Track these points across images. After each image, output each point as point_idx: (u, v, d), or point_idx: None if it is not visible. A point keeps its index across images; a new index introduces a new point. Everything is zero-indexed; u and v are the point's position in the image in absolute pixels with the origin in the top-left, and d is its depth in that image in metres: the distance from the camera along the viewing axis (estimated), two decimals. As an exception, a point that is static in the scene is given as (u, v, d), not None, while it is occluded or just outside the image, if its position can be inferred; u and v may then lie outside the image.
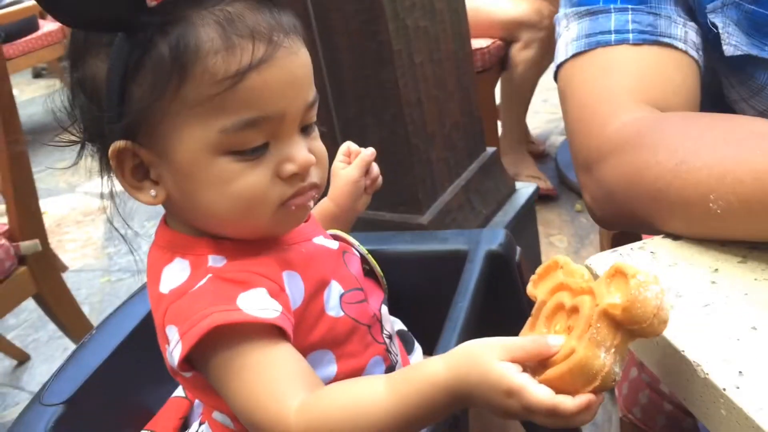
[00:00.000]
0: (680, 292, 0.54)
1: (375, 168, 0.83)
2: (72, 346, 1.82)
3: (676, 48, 0.71)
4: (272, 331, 0.56)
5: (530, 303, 0.82)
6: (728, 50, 0.71)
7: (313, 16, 1.37)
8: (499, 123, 2.40)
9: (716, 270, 0.56)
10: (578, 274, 0.50)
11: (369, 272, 0.76)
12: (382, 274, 0.77)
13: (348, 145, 0.83)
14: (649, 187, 0.62)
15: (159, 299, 0.60)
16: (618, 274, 0.46)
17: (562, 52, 0.76)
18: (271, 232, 0.62)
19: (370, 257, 0.76)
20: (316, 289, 0.64)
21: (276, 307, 0.57)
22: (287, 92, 0.57)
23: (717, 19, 0.71)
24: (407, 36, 1.38)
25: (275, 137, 0.58)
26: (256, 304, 0.56)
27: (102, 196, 0.63)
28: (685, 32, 0.72)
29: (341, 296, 0.66)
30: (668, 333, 0.50)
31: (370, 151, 0.83)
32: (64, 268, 2.16)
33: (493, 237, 0.82)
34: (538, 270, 0.53)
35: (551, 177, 2.44)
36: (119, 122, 0.56)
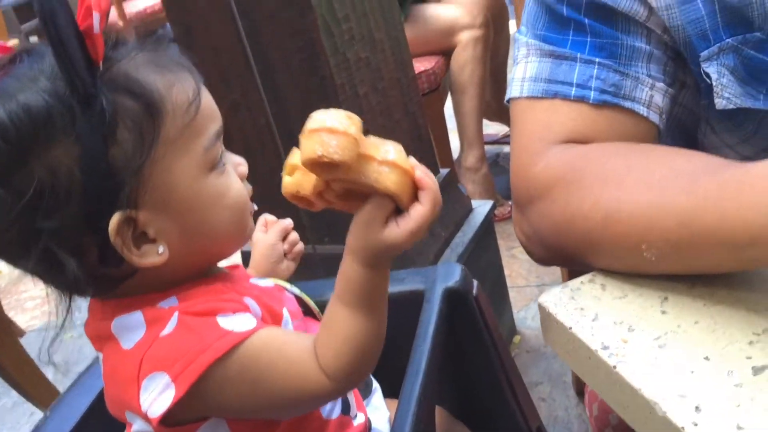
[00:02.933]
0: (632, 325, 0.54)
1: (294, 234, 0.87)
2: (37, 412, 1.77)
3: (636, 113, 0.68)
4: (257, 333, 0.60)
5: (491, 335, 0.82)
6: (720, 103, 0.68)
7: (252, 56, 1.36)
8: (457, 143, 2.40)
9: (666, 299, 0.56)
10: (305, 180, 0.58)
11: (307, 313, 0.77)
12: (318, 310, 0.78)
13: (265, 217, 0.88)
14: (582, 237, 0.61)
15: (123, 358, 0.59)
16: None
17: (517, 86, 0.72)
18: (246, 240, 0.67)
19: (304, 296, 0.77)
20: (273, 313, 0.66)
21: (250, 317, 0.61)
22: (216, 111, 0.63)
23: (711, 69, 0.67)
24: (348, 69, 1.38)
25: (221, 145, 0.63)
26: (236, 323, 0.58)
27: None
28: (650, 96, 0.69)
29: (291, 325, 0.68)
30: (624, 370, 0.50)
31: (287, 221, 0.87)
32: (21, 333, 2.11)
33: (449, 273, 0.82)
34: (290, 192, 0.59)
35: (508, 189, 2.46)
36: (117, 196, 0.54)
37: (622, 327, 0.54)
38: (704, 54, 0.67)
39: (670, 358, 0.50)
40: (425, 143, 1.65)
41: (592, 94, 0.68)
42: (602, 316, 0.56)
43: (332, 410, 0.72)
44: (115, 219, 0.55)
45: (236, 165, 0.65)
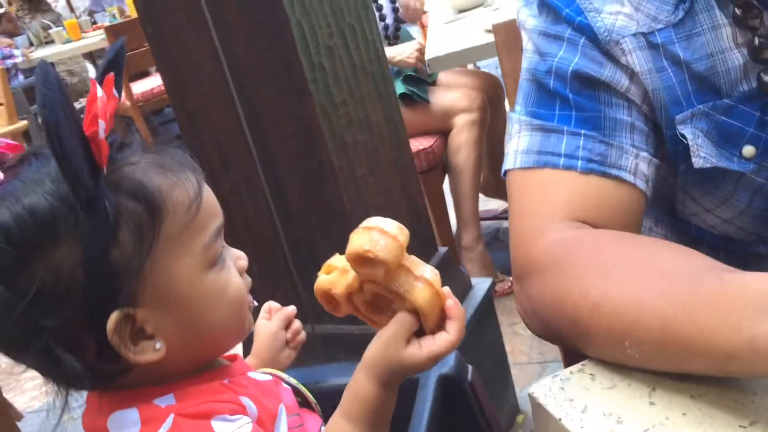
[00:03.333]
0: (620, 416, 0.54)
1: (297, 323, 0.88)
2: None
3: (622, 180, 0.71)
4: None
5: (486, 420, 0.82)
6: (697, 162, 0.71)
7: (252, 141, 1.40)
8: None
9: (654, 389, 0.56)
10: (342, 266, 0.61)
11: (303, 404, 0.76)
12: (315, 401, 0.78)
13: (269, 304, 0.89)
14: (570, 323, 0.62)
15: None
16: (354, 259, 0.57)
17: (511, 159, 0.76)
18: (244, 335, 0.68)
19: (301, 387, 0.77)
20: (269, 414, 0.66)
21: (246, 421, 0.60)
22: (217, 207, 0.65)
23: (686, 131, 0.71)
24: (346, 152, 1.41)
25: (221, 240, 0.64)
26: (230, 428, 0.58)
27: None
28: (635, 164, 0.72)
29: (287, 422, 0.68)
30: (613, 464, 0.50)
31: (291, 308, 0.88)
32: (19, 417, 2.09)
33: (444, 359, 0.82)
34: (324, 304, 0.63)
35: (508, 263, 2.46)
36: (117, 295, 0.55)
37: (611, 419, 0.54)
38: (679, 117, 0.71)
39: (659, 451, 0.50)
40: (423, 221, 1.67)
41: (579, 163, 0.71)
42: (591, 408, 0.56)
43: None
44: (113, 317, 0.56)
45: (236, 259, 0.66)
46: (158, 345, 0.59)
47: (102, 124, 0.55)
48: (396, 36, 2.56)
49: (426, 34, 2.88)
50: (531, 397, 0.60)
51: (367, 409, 0.60)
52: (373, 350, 0.60)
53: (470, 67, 2.64)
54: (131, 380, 0.61)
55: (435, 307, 0.58)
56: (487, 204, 2.69)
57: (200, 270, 0.61)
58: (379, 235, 0.55)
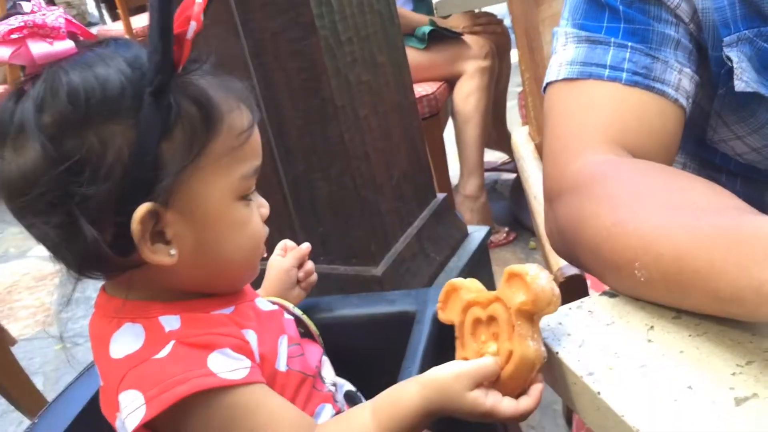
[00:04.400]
0: (617, 352, 0.55)
1: (310, 264, 0.88)
2: (26, 420, 1.77)
3: (665, 94, 0.72)
4: (246, 386, 0.60)
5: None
6: (739, 85, 0.73)
7: (255, 75, 1.38)
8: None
9: (652, 327, 0.56)
10: (475, 288, 0.61)
11: (305, 334, 0.77)
12: (318, 332, 0.78)
13: (285, 242, 0.89)
14: (589, 240, 0.63)
15: (110, 365, 0.60)
16: (513, 277, 0.57)
17: (554, 71, 0.76)
18: (251, 278, 0.69)
19: (305, 318, 0.78)
20: (269, 347, 0.66)
21: (245, 364, 0.60)
22: (260, 148, 0.66)
23: (732, 53, 0.72)
24: (350, 91, 1.39)
25: (254, 181, 0.65)
26: (227, 365, 0.59)
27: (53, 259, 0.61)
28: (679, 79, 0.73)
29: (287, 354, 0.69)
30: (608, 397, 0.50)
31: (305, 246, 0.88)
32: (13, 341, 2.10)
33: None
34: (440, 297, 0.63)
35: (505, 215, 2.47)
36: (153, 187, 0.56)
37: (608, 354, 0.55)
38: (726, 40, 0.72)
39: (655, 386, 0.50)
40: (423, 167, 1.66)
41: (624, 75, 0.71)
42: (589, 343, 0.56)
43: (327, 417, 0.72)
44: (143, 208, 0.56)
45: (260, 205, 0.68)
46: (173, 251, 0.59)
47: (193, 25, 0.56)
48: None
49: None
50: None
51: (399, 420, 0.60)
52: (441, 374, 0.59)
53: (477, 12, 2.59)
54: (139, 283, 0.61)
55: (527, 370, 0.57)
56: (487, 155, 2.67)
57: (231, 196, 0.62)
58: (549, 275, 0.56)
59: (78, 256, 0.58)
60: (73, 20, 0.60)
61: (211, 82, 0.61)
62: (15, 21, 0.55)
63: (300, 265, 0.89)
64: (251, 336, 0.64)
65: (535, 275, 0.55)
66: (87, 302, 0.65)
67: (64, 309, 0.62)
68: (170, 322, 0.61)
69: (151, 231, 0.58)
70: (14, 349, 1.70)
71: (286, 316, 0.75)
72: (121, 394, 0.58)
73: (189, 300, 0.63)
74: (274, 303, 0.76)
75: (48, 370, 2.12)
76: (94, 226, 0.56)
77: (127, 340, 0.60)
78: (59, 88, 0.54)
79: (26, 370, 1.67)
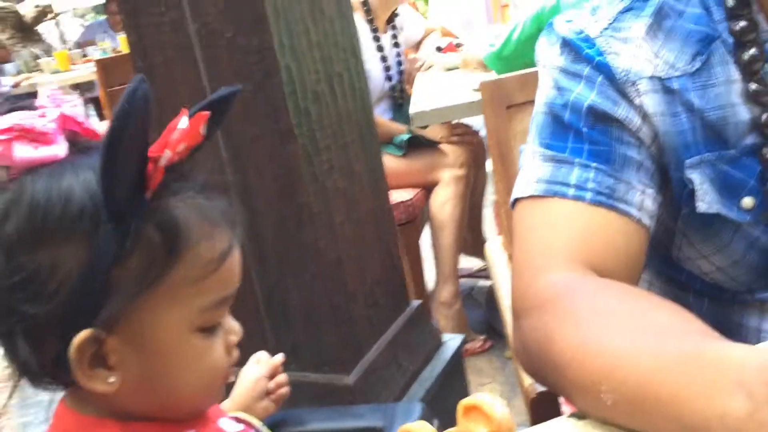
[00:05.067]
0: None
1: (283, 376, 0.86)
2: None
3: (629, 214, 0.73)
4: None
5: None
6: (701, 207, 0.74)
7: (232, 179, 1.39)
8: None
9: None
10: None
11: None
12: None
13: (259, 355, 0.87)
14: (554, 360, 0.62)
15: None
16: (470, 410, 0.54)
17: (521, 187, 0.77)
18: (212, 404, 0.65)
19: None
20: None
21: None
22: (237, 276, 0.61)
23: (694, 176, 0.74)
24: (326, 198, 1.40)
25: (224, 311, 0.61)
26: None
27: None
28: (641, 199, 0.74)
29: None
30: None
31: (279, 357, 0.86)
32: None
33: (409, 412, 0.81)
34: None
35: (481, 322, 2.45)
36: (96, 313, 0.53)
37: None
38: (688, 162, 0.74)
39: None
40: (397, 274, 1.66)
41: (589, 195, 0.73)
42: (557, 469, 0.55)
43: None
44: (82, 335, 0.54)
45: (228, 332, 0.63)
46: (111, 379, 0.56)
47: (167, 154, 0.54)
48: (402, 97, 2.61)
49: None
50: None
51: None
52: None
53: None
54: (93, 401, 0.58)
55: None
56: (464, 262, 2.68)
57: (186, 329, 0.58)
58: (502, 401, 0.55)
59: (20, 368, 0.56)
60: (78, 117, 0.58)
61: (189, 205, 0.57)
62: (6, 121, 0.54)
63: (272, 377, 0.87)
64: None
65: (492, 404, 0.54)
66: (48, 407, 0.63)
67: (23, 413, 0.59)
68: None
69: (92, 355, 0.55)
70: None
71: None
72: None
73: (146, 422, 0.59)
74: (240, 421, 0.73)
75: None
76: (34, 344, 0.54)
77: None
78: (22, 199, 0.53)
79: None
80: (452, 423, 0.82)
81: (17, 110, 0.56)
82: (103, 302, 0.53)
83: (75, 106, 0.58)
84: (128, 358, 0.56)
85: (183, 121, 0.55)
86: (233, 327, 0.63)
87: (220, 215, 0.59)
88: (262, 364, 0.86)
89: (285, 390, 0.86)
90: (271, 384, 0.86)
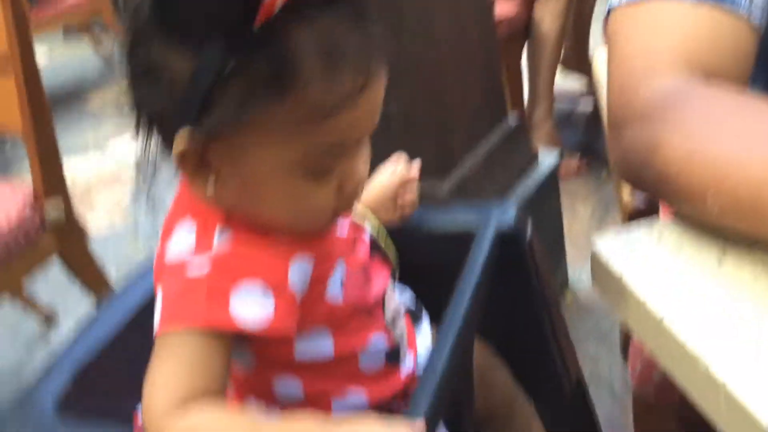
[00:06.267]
0: (685, 277, 0.53)
1: (412, 192, 0.81)
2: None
3: (736, 13, 0.66)
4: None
5: (540, 282, 0.80)
6: None
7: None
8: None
9: (724, 254, 0.54)
10: None
11: (376, 248, 0.75)
12: (394, 253, 0.76)
13: (397, 162, 0.82)
14: (659, 169, 0.60)
15: (160, 262, 0.59)
16: None
17: None
18: (319, 231, 0.62)
19: (381, 240, 0.75)
20: (321, 274, 0.62)
21: (266, 310, 0.56)
22: (370, 121, 0.56)
23: None
24: (429, 7, 1.36)
25: (344, 155, 0.56)
26: (247, 309, 0.55)
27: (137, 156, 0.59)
28: None
29: (342, 282, 0.64)
30: (671, 323, 0.49)
31: (416, 169, 0.82)
32: (89, 234, 2.18)
33: (504, 214, 0.81)
34: None
35: (577, 142, 2.40)
36: (195, 124, 0.52)
37: (673, 278, 0.53)
38: None
39: (720, 311, 0.49)
40: (498, 87, 1.63)
41: None
42: (655, 266, 0.55)
43: (373, 360, 0.68)
44: (183, 132, 0.53)
45: (345, 178, 0.58)
46: (210, 188, 0.56)
47: None
48: None
49: None
50: (594, 254, 0.59)
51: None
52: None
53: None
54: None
55: None
56: (565, 84, 2.59)
57: (285, 169, 0.55)
58: None
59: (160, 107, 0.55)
60: None
61: (316, 33, 0.51)
62: None
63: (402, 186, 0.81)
64: (302, 263, 0.60)
65: None
66: (162, 203, 0.64)
67: (140, 207, 0.61)
68: (222, 234, 0.58)
69: (195, 159, 0.55)
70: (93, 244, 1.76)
71: (363, 238, 0.71)
72: (157, 288, 0.58)
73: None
74: (356, 225, 0.71)
75: (120, 264, 2.20)
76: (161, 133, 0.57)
77: (180, 237, 0.59)
78: None
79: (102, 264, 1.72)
80: (543, 235, 0.80)
81: None
82: (199, 117, 0.52)
83: None
84: (227, 177, 0.56)
85: None
86: (354, 173, 0.58)
87: (351, 57, 0.52)
88: (395, 174, 0.81)
89: (412, 197, 0.82)
90: (399, 200, 0.81)
